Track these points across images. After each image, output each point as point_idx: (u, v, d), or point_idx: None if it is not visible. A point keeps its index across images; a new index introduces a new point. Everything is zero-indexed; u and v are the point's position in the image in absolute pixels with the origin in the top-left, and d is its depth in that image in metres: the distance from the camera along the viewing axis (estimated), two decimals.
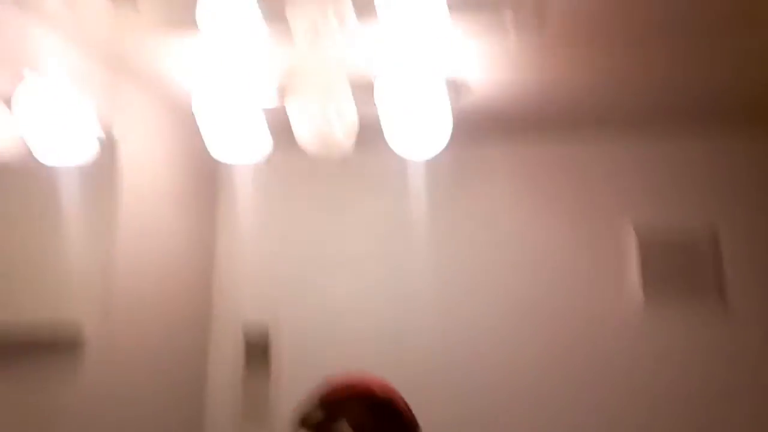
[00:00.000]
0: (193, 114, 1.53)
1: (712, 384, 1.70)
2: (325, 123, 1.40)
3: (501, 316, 1.84)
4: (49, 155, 1.30)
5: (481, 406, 1.79)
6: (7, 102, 1.21)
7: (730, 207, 1.78)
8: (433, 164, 1.52)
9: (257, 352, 1.93)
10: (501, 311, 1.84)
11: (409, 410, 0.89)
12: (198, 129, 1.47)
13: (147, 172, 1.65)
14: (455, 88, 1.49)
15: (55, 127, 1.31)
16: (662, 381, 1.72)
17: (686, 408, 1.70)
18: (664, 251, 1.78)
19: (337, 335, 1.89)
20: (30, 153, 1.25)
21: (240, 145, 1.52)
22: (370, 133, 1.52)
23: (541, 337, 1.81)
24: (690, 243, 1.78)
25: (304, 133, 1.45)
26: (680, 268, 1.76)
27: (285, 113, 1.52)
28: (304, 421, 0.87)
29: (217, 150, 1.51)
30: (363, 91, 1.53)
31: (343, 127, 1.43)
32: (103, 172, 1.45)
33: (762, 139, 1.80)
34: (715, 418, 1.67)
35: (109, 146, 1.46)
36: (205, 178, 1.82)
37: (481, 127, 1.78)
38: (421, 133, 1.46)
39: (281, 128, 1.51)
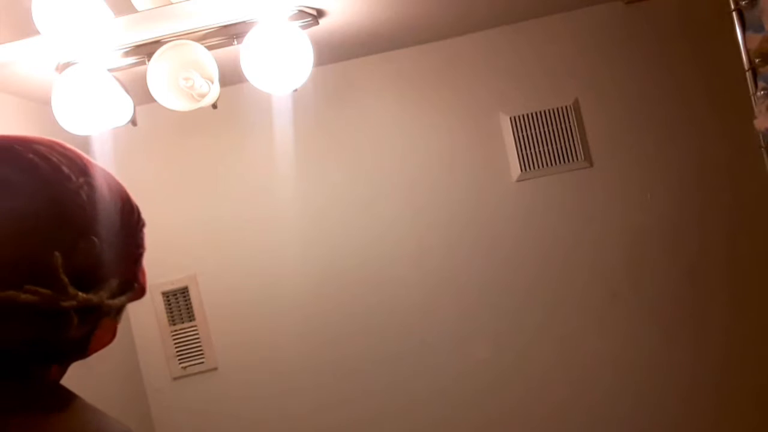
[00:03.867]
0: (45, 101, 1.45)
1: (589, 228, 1.94)
2: (184, 81, 1.38)
3: (392, 210, 1.96)
4: None
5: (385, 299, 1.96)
6: None
7: (588, 80, 1.94)
8: (302, 92, 1.53)
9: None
10: (391, 206, 1.96)
11: None
12: (52, 114, 1.41)
13: None
14: (308, 14, 1.49)
15: None
16: (546, 233, 1.95)
17: (571, 252, 1.94)
18: (536, 127, 1.95)
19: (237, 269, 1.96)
20: None
21: (102, 113, 1.48)
22: (233, 72, 1.50)
23: (436, 220, 1.95)
24: (557, 116, 1.95)
25: (165, 92, 1.43)
26: (550, 139, 1.95)
27: (140, 73, 1.47)
28: None
29: (78, 125, 1.46)
30: (217, 35, 1.49)
31: (203, 81, 1.41)
32: None
33: (609, 13, 1.92)
34: (596, 258, 1.94)
35: None
36: None
37: (344, 46, 1.78)
38: (282, 68, 1.46)
39: (139, 88, 1.46)
